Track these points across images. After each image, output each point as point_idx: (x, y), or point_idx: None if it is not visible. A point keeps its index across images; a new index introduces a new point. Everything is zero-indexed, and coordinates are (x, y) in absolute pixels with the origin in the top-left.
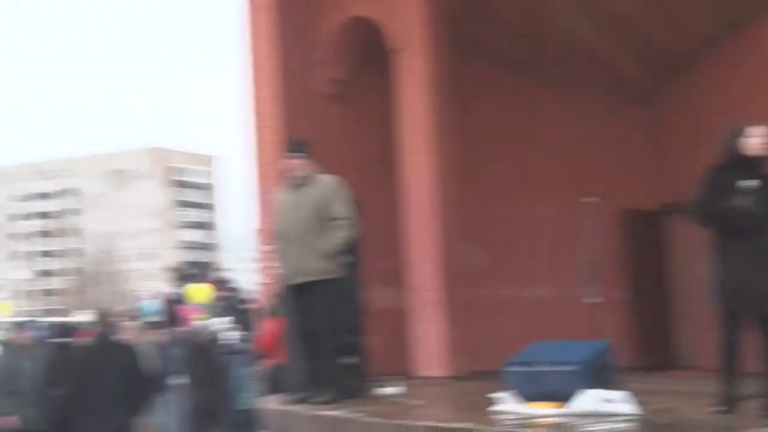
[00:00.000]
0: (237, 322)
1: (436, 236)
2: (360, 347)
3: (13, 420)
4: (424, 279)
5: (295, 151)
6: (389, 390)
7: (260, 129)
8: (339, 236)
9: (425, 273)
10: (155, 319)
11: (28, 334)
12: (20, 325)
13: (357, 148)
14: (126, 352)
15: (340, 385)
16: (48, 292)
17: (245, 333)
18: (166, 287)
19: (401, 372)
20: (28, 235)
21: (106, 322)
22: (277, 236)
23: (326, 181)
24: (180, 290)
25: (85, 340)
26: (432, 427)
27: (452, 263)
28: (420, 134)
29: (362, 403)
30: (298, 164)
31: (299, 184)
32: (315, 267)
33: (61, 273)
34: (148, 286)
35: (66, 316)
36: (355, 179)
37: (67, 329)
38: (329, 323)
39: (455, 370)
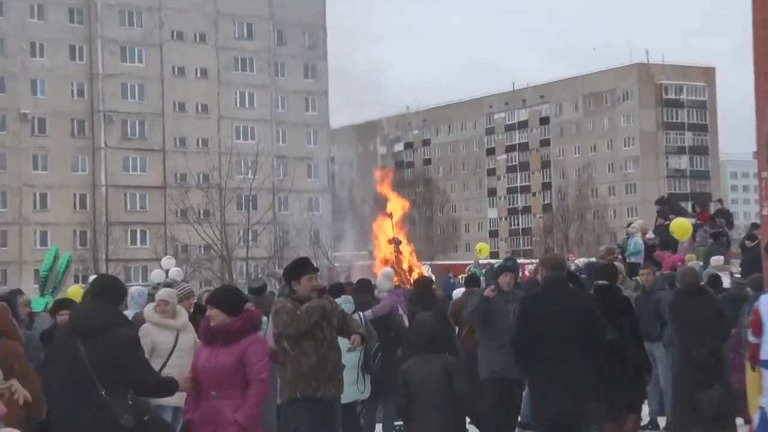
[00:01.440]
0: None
1: None
2: None
3: None
4: None
5: None
6: None
7: (764, 36)
8: None
9: None
10: (638, 259)
11: (507, 279)
12: (500, 269)
13: None
14: (579, 296)
15: None
16: (521, 232)
17: (749, 273)
18: (650, 223)
19: None
20: (502, 170)
21: (558, 265)
22: None
23: None
24: (666, 226)
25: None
26: None
27: None
28: None
29: None
30: None
31: None
32: None
33: (535, 210)
34: (631, 223)
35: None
36: None
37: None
38: None
39: None
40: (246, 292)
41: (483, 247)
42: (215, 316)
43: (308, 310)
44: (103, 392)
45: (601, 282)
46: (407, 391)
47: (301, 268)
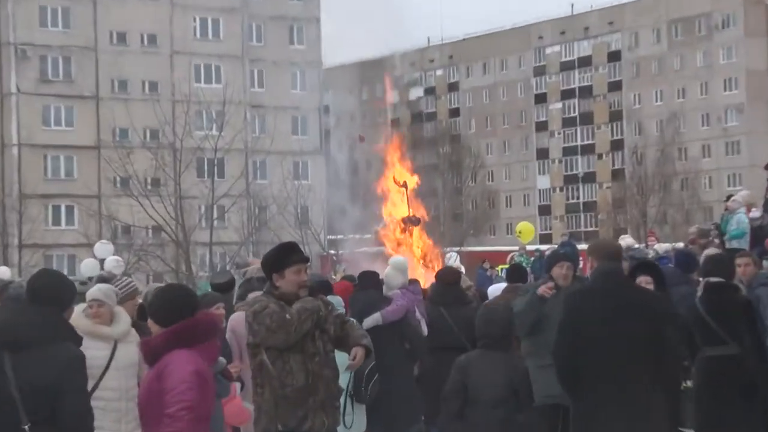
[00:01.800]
0: None
1: None
2: None
3: None
4: None
5: None
6: None
7: None
8: None
9: None
10: (741, 244)
11: (563, 271)
12: (553, 258)
13: None
14: (646, 293)
15: None
16: (582, 207)
17: None
18: (758, 196)
19: None
20: (557, 124)
21: (613, 254)
22: None
23: None
24: None
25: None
26: None
27: None
28: None
29: None
30: None
31: None
32: None
33: (601, 178)
34: (732, 195)
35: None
36: None
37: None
38: None
39: None
40: (209, 289)
41: (526, 227)
42: (151, 326)
43: (301, 313)
44: (26, 426)
45: (714, 280)
46: (463, 394)
47: (285, 257)
